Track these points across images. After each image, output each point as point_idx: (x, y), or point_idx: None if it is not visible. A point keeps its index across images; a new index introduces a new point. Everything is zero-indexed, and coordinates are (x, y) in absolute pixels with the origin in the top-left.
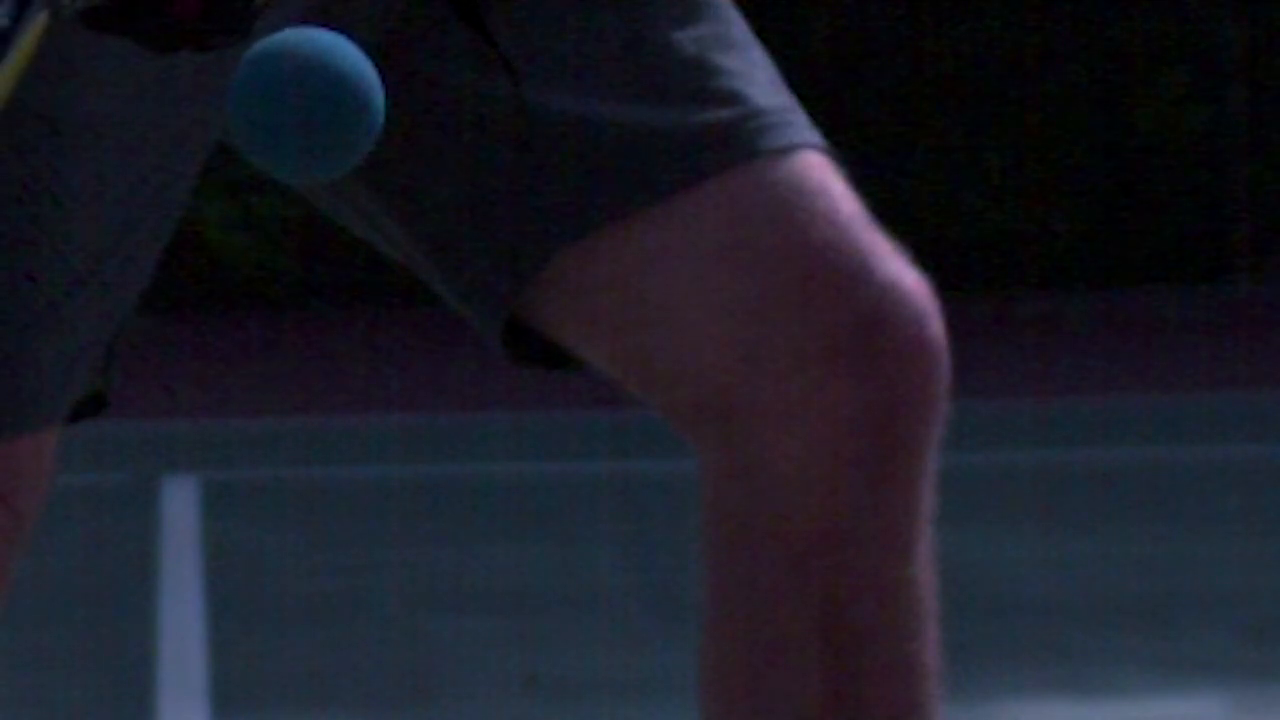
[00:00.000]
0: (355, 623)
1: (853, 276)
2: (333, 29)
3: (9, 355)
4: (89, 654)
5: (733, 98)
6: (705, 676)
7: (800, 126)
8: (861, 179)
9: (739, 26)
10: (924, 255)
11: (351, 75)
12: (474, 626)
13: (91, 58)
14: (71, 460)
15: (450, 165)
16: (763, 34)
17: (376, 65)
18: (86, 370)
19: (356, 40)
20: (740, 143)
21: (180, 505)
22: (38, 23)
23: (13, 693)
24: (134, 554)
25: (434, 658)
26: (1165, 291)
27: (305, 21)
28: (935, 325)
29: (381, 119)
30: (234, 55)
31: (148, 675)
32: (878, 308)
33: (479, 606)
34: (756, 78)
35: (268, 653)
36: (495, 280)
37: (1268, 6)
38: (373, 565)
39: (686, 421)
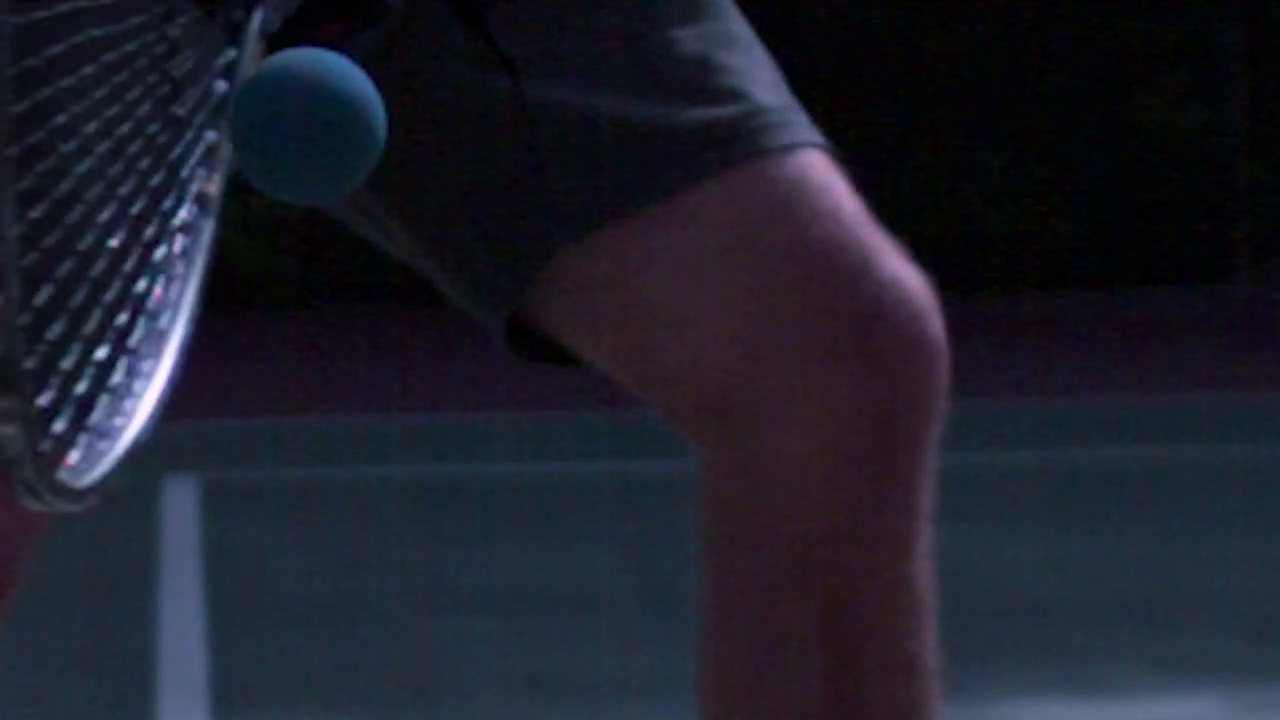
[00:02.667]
0: (355, 623)
1: (854, 274)
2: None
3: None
4: (89, 654)
5: (734, 95)
6: (705, 676)
7: (802, 125)
8: (861, 179)
9: (740, 24)
10: (924, 255)
11: (353, 97)
12: (474, 626)
13: (90, 60)
14: None
15: (451, 165)
16: (763, 33)
17: (377, 66)
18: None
19: (357, 45)
20: (742, 141)
21: (180, 505)
22: (258, 50)
23: (13, 693)
24: (134, 554)
25: (434, 658)
26: (1165, 291)
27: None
28: (936, 323)
29: (383, 141)
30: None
31: (148, 675)
32: (879, 306)
33: (479, 606)
34: (758, 76)
35: (268, 653)
36: (497, 279)
37: (1268, 7)
38: (373, 565)
39: (687, 420)
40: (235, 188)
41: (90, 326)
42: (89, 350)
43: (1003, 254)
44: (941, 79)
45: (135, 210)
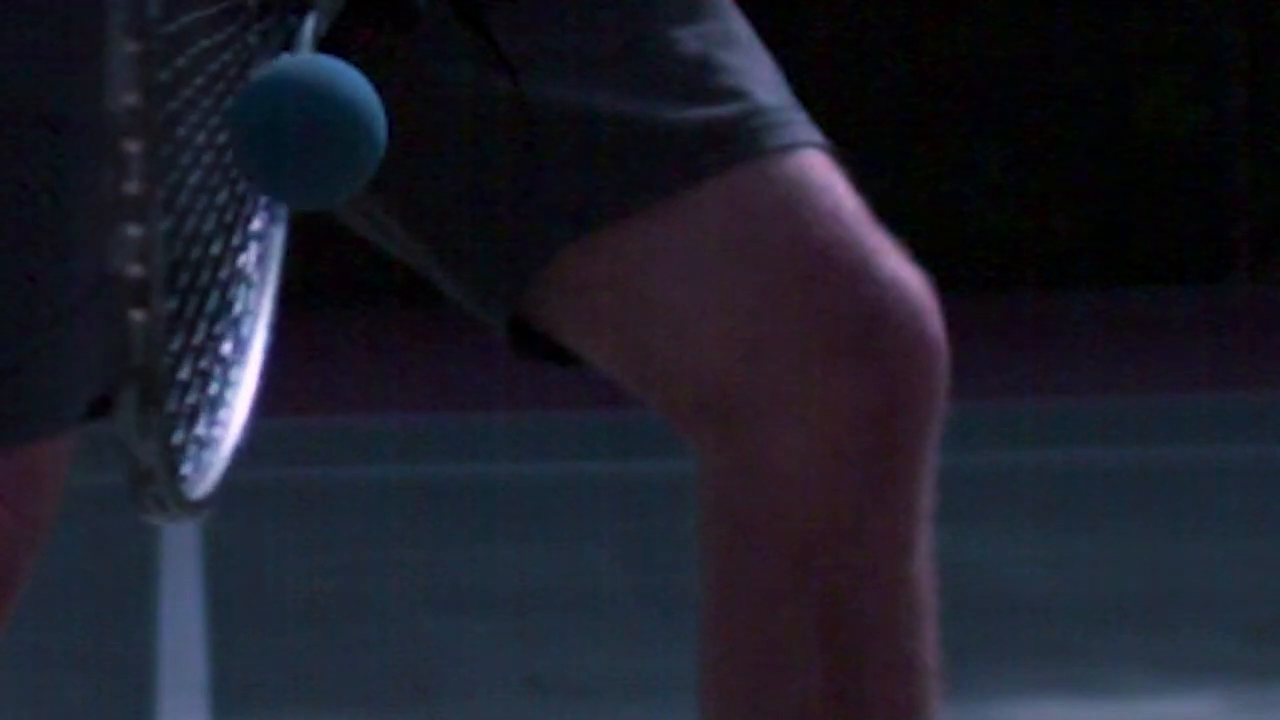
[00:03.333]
0: (355, 623)
1: (854, 274)
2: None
3: (23, 361)
4: (89, 654)
5: (735, 95)
6: (705, 676)
7: (802, 125)
8: (861, 179)
9: (740, 24)
10: (924, 255)
11: (352, 102)
12: (474, 626)
13: (95, 59)
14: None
15: (451, 164)
16: (763, 34)
17: (377, 66)
18: (102, 375)
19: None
20: (743, 140)
21: None
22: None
23: (13, 693)
24: (134, 554)
25: (434, 658)
26: (1165, 291)
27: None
28: (936, 323)
29: (383, 146)
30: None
31: (148, 675)
32: (879, 305)
33: (479, 606)
34: (759, 75)
35: (268, 653)
36: (498, 279)
37: (1268, 6)
38: (373, 565)
39: (687, 419)
40: None
41: (198, 337)
42: (197, 361)
43: (1003, 254)
44: (941, 79)
45: (227, 219)
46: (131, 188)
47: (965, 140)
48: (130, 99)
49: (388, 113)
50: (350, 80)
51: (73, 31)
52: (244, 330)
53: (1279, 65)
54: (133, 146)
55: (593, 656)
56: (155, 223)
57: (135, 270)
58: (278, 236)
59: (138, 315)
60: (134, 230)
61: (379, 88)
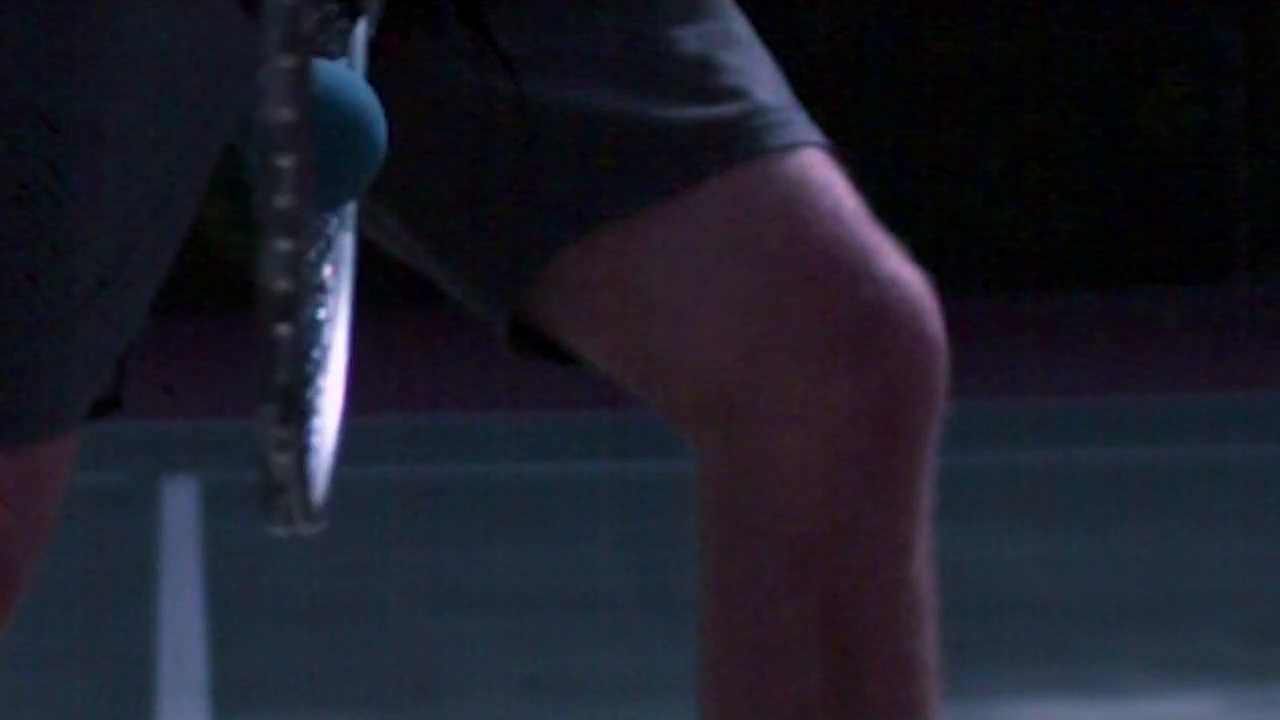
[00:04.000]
0: (355, 623)
1: (854, 273)
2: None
3: (25, 362)
4: (89, 654)
5: (736, 95)
6: (705, 676)
7: (802, 124)
8: (861, 179)
9: (740, 24)
10: (924, 255)
11: (354, 107)
12: (474, 626)
13: (95, 59)
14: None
15: (451, 164)
16: (763, 33)
17: (377, 66)
18: (104, 375)
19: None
20: (743, 140)
21: (180, 505)
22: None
23: (13, 693)
24: (134, 554)
25: (434, 658)
26: (1165, 292)
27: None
28: (935, 322)
29: (384, 150)
30: (242, 59)
31: (148, 675)
32: (878, 304)
33: (479, 606)
34: (759, 75)
35: (268, 653)
36: (498, 278)
37: (1268, 7)
38: (373, 565)
39: (687, 419)
40: (235, 188)
41: (303, 345)
42: (306, 369)
43: (1003, 254)
44: (941, 79)
45: (319, 224)
46: (283, 202)
47: (965, 140)
48: (285, 114)
49: (388, 113)
50: (351, 84)
51: (73, 31)
52: (326, 337)
53: (1278, 65)
54: (285, 161)
55: (593, 656)
56: (305, 238)
57: (283, 285)
58: (348, 242)
59: (283, 330)
60: (284, 245)
61: (379, 88)
